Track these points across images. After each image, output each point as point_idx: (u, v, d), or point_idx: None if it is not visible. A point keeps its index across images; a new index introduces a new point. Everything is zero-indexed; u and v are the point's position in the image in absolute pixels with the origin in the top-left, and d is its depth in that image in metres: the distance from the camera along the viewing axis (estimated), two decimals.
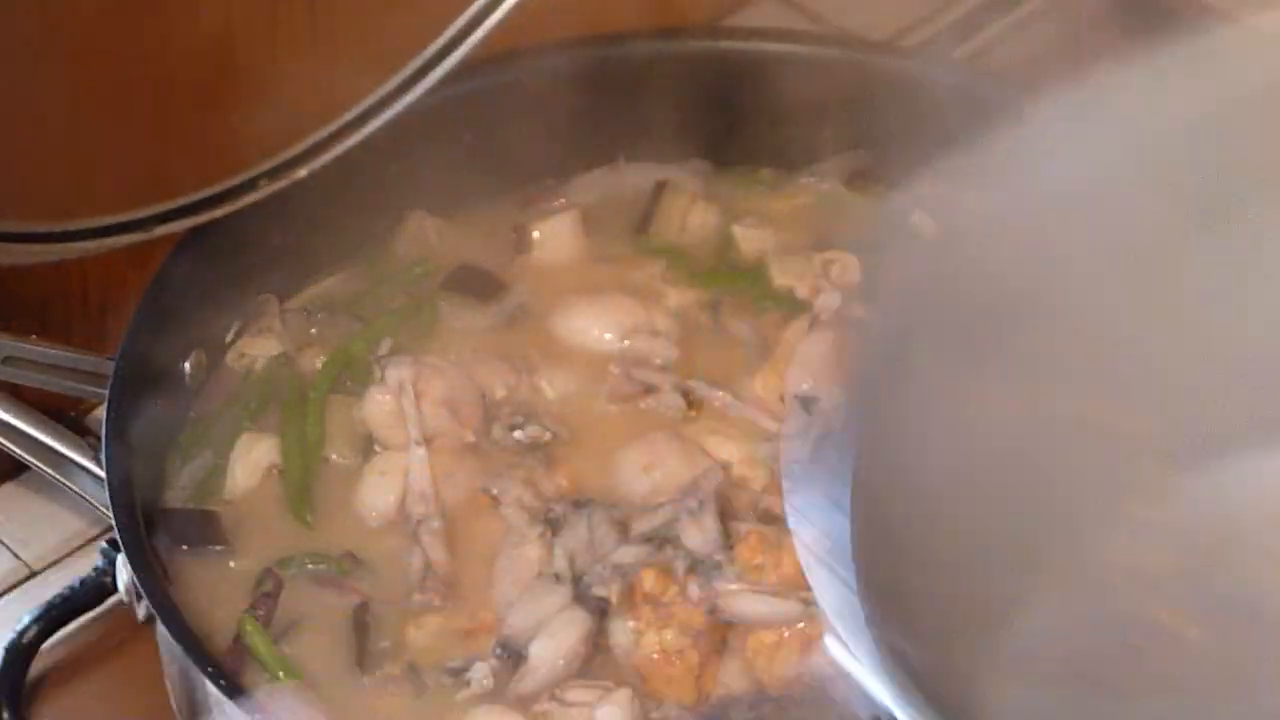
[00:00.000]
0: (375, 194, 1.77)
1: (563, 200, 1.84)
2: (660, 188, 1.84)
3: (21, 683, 1.60)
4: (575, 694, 1.47)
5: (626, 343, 1.72)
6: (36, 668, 1.62)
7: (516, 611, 1.51)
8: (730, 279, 1.80)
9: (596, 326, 1.73)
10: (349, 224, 1.77)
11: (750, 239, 1.82)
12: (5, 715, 1.56)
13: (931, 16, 2.17)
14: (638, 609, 1.50)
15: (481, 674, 1.49)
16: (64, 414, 1.68)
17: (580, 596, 1.51)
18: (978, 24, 2.14)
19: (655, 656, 1.48)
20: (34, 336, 1.71)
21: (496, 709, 1.48)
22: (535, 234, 1.81)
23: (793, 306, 1.76)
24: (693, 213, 1.83)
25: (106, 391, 1.58)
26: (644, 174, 1.85)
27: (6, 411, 1.67)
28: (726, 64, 1.83)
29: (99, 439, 1.57)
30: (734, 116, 1.84)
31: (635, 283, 1.78)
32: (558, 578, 1.52)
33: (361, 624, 1.55)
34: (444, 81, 1.72)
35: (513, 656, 1.49)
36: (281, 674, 1.51)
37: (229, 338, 1.72)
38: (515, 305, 1.77)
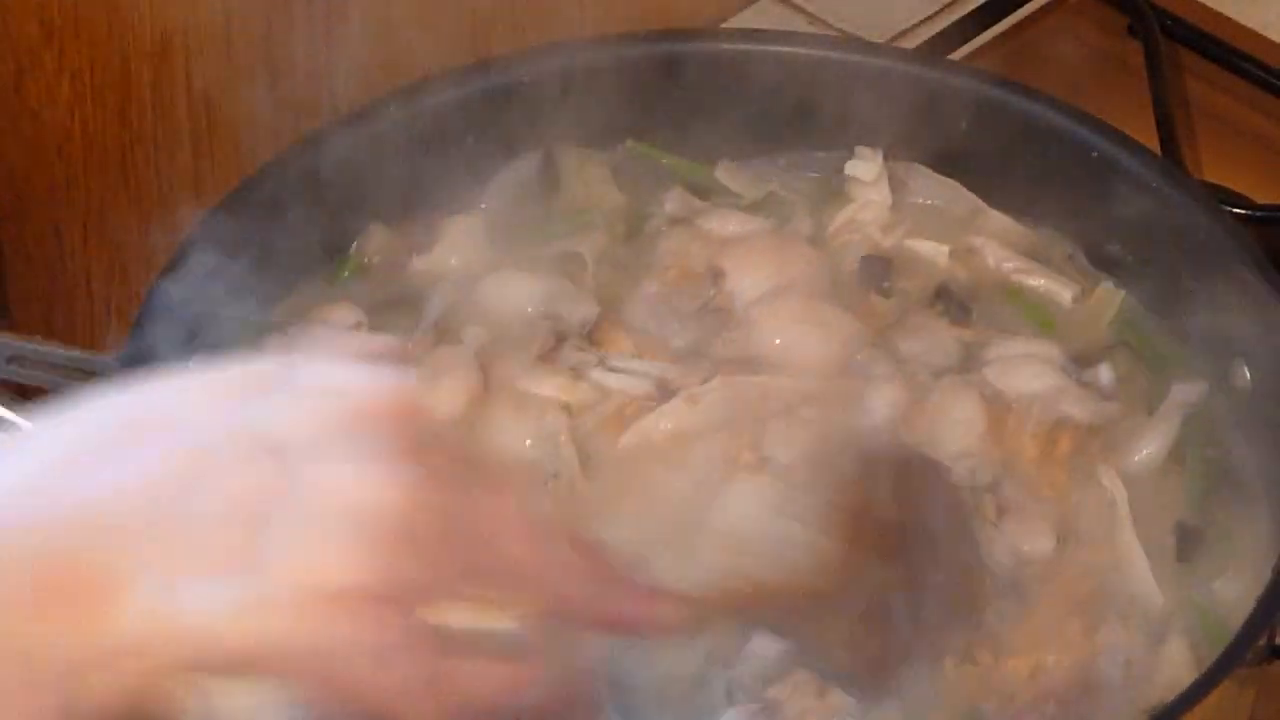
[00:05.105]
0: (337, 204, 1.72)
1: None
2: None
3: None
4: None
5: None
6: None
7: None
8: None
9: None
10: (319, 234, 1.72)
11: None
12: None
13: (932, 17, 2.17)
14: None
15: None
16: None
17: None
18: (978, 24, 2.14)
19: None
20: (39, 336, 1.71)
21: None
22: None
23: None
24: None
25: None
26: None
27: (11, 411, 1.66)
28: (727, 66, 1.83)
29: None
30: (734, 118, 1.84)
31: None
32: None
33: None
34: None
35: None
36: None
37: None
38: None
